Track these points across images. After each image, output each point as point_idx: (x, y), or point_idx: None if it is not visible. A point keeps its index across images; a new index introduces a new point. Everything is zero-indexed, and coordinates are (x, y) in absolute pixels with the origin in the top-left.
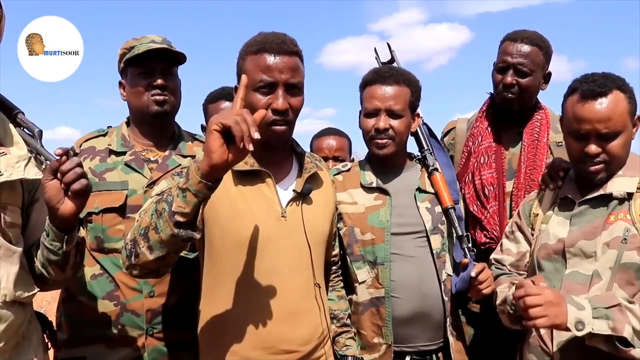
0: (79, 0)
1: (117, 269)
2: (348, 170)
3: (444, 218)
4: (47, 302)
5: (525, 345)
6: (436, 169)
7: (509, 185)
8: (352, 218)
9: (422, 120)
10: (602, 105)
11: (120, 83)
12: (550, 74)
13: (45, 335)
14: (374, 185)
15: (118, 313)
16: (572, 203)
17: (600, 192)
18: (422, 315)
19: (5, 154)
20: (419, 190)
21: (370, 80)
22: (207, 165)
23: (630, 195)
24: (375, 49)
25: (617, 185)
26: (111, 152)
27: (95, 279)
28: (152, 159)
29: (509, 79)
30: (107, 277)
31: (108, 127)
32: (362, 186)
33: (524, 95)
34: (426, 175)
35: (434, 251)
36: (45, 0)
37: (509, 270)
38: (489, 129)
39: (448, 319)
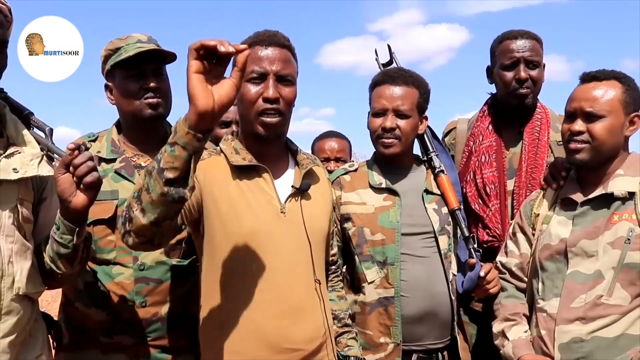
0: (79, 0)
1: (109, 279)
2: (355, 170)
3: (450, 219)
4: (47, 303)
5: None
6: (442, 171)
7: (510, 184)
8: (362, 218)
9: None
10: (593, 87)
11: (106, 86)
12: (544, 65)
13: (50, 336)
14: (383, 185)
15: (111, 322)
16: (574, 203)
17: (601, 191)
18: (430, 314)
19: (20, 153)
20: (426, 191)
21: (380, 80)
22: (194, 114)
23: (632, 195)
24: (375, 50)
25: (618, 185)
26: (101, 159)
27: (88, 287)
28: (143, 164)
29: (523, 73)
30: (100, 285)
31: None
32: (371, 186)
33: (536, 88)
34: (432, 176)
35: (442, 251)
36: (45, 0)
37: (513, 275)
38: (490, 128)
39: (455, 317)
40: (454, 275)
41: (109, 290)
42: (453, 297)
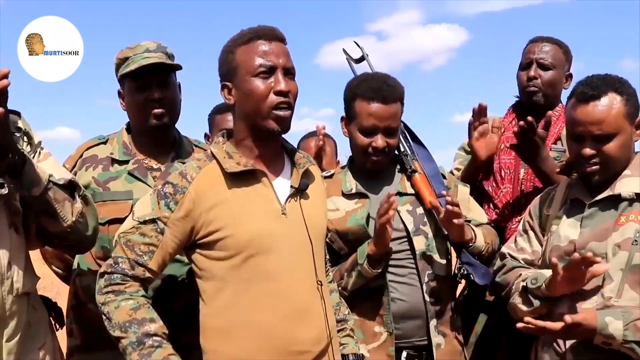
0: (79, 0)
1: None
2: (331, 176)
3: (425, 219)
4: None
5: (540, 343)
6: (414, 171)
7: (522, 173)
8: (334, 223)
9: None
10: (594, 107)
11: (119, 93)
12: (571, 74)
13: (51, 318)
14: (354, 191)
15: None
16: (582, 205)
17: (609, 192)
18: (411, 314)
19: None
20: (399, 194)
21: (369, 97)
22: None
23: (639, 196)
24: (344, 49)
25: (625, 186)
26: (114, 160)
27: None
28: (154, 167)
29: (532, 72)
30: None
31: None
32: (343, 194)
33: (547, 89)
34: (405, 178)
35: (417, 252)
36: (45, 0)
37: (526, 266)
38: (512, 122)
39: (432, 321)
40: (432, 273)
41: None
42: (427, 299)
